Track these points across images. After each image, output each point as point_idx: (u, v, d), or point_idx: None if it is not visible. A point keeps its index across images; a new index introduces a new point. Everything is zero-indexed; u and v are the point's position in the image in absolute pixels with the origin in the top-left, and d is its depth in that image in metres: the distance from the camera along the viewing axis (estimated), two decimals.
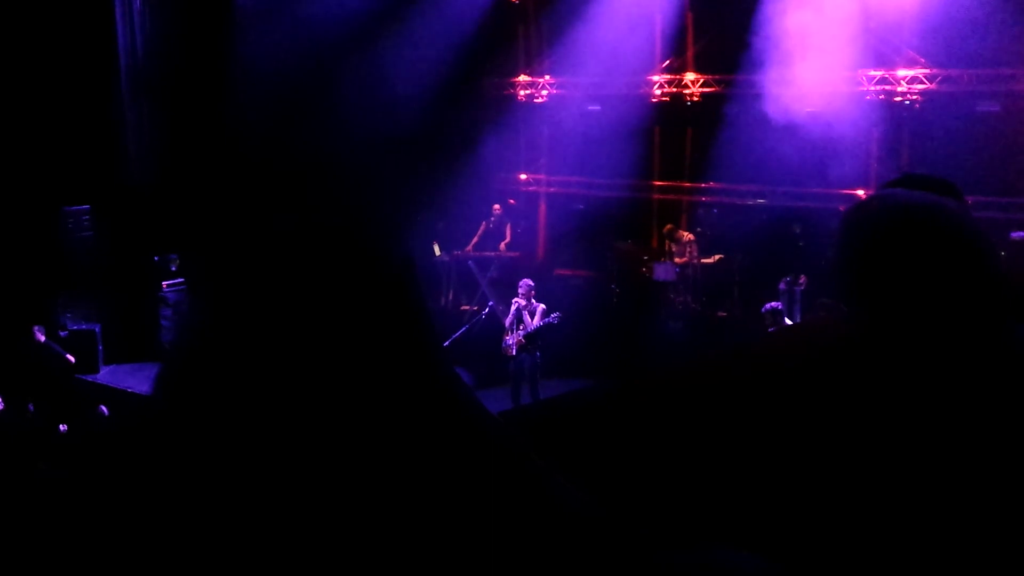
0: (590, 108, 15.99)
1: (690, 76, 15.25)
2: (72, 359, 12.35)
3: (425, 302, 0.94)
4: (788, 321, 11.35)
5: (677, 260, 14.78)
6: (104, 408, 10.22)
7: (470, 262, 15.55)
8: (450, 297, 15.76)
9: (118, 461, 0.91)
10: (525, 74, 16.86)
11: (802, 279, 13.11)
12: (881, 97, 13.66)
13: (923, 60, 13.33)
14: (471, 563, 0.92)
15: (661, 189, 15.96)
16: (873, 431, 1.54)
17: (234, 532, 0.83)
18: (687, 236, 14.93)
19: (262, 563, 0.83)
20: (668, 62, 15.52)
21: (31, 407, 10.59)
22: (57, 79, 13.19)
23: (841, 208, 12.06)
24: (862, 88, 13.70)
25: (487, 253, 15.61)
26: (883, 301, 1.57)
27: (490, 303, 13.83)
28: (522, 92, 16.87)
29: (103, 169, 14.04)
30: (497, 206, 15.88)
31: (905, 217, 1.57)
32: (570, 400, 2.26)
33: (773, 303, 11.36)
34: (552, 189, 17.02)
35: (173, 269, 13.78)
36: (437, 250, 16.02)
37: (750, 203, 14.96)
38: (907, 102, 13.48)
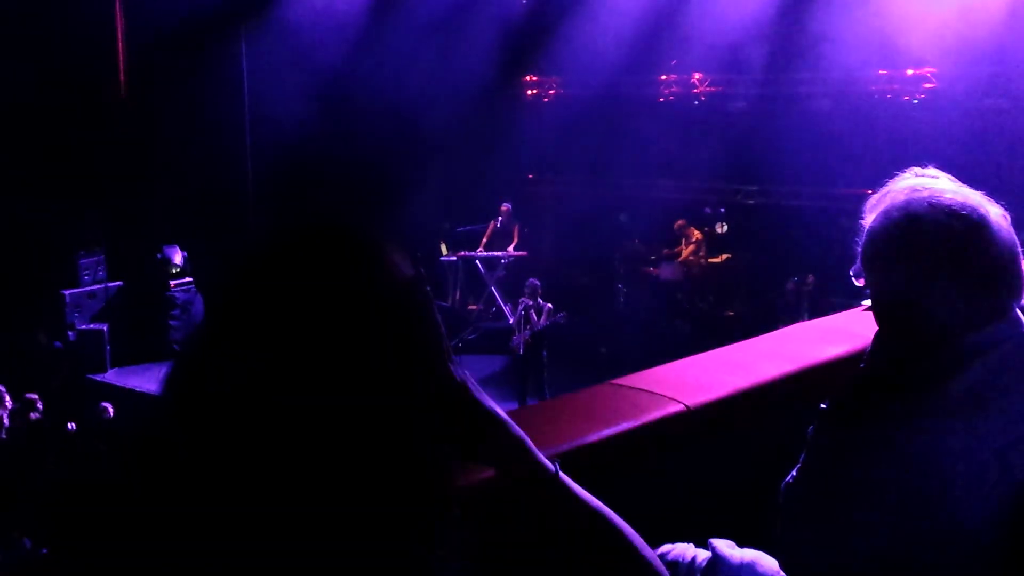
0: (598, 107, 15.98)
1: (697, 76, 15.23)
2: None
3: (431, 303, 0.94)
4: (797, 321, 11.34)
5: (687, 256, 14.81)
6: (110, 407, 10.22)
7: (477, 262, 15.56)
8: (457, 297, 15.77)
9: (125, 459, 0.91)
10: (532, 74, 16.86)
11: (810, 278, 13.09)
12: (888, 96, 13.63)
13: (930, 59, 13.29)
14: (472, 563, 0.93)
15: (668, 188, 15.94)
16: (882, 431, 1.54)
17: (236, 533, 0.83)
18: (697, 234, 14.95)
19: (266, 564, 0.83)
20: (675, 62, 15.51)
21: (39, 405, 10.61)
22: (66, 81, 13.22)
23: (848, 207, 12.03)
24: (870, 87, 13.68)
25: (494, 253, 15.60)
26: (898, 293, 1.58)
27: (497, 302, 13.84)
28: (529, 92, 16.87)
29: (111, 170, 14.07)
30: (505, 205, 15.87)
31: (923, 211, 1.58)
32: (575, 399, 2.27)
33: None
34: (559, 188, 17.02)
35: (175, 271, 13.78)
36: (444, 250, 16.03)
37: (757, 202, 14.94)
38: (915, 101, 13.45)
